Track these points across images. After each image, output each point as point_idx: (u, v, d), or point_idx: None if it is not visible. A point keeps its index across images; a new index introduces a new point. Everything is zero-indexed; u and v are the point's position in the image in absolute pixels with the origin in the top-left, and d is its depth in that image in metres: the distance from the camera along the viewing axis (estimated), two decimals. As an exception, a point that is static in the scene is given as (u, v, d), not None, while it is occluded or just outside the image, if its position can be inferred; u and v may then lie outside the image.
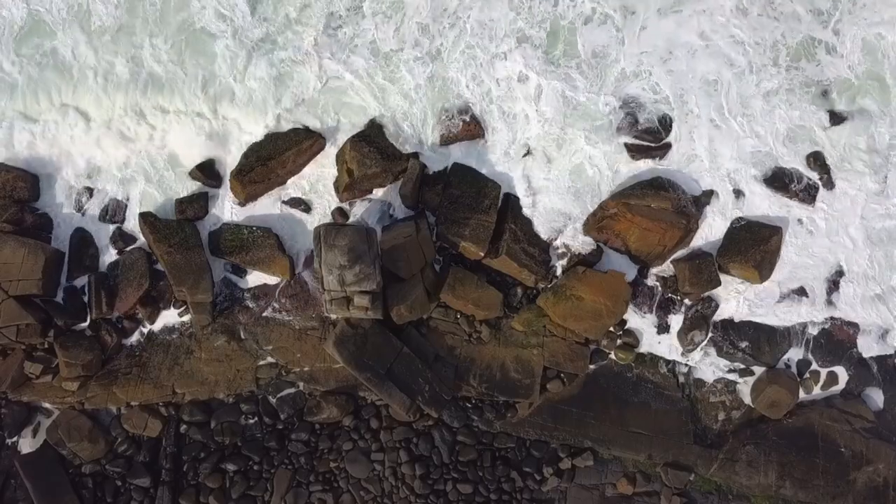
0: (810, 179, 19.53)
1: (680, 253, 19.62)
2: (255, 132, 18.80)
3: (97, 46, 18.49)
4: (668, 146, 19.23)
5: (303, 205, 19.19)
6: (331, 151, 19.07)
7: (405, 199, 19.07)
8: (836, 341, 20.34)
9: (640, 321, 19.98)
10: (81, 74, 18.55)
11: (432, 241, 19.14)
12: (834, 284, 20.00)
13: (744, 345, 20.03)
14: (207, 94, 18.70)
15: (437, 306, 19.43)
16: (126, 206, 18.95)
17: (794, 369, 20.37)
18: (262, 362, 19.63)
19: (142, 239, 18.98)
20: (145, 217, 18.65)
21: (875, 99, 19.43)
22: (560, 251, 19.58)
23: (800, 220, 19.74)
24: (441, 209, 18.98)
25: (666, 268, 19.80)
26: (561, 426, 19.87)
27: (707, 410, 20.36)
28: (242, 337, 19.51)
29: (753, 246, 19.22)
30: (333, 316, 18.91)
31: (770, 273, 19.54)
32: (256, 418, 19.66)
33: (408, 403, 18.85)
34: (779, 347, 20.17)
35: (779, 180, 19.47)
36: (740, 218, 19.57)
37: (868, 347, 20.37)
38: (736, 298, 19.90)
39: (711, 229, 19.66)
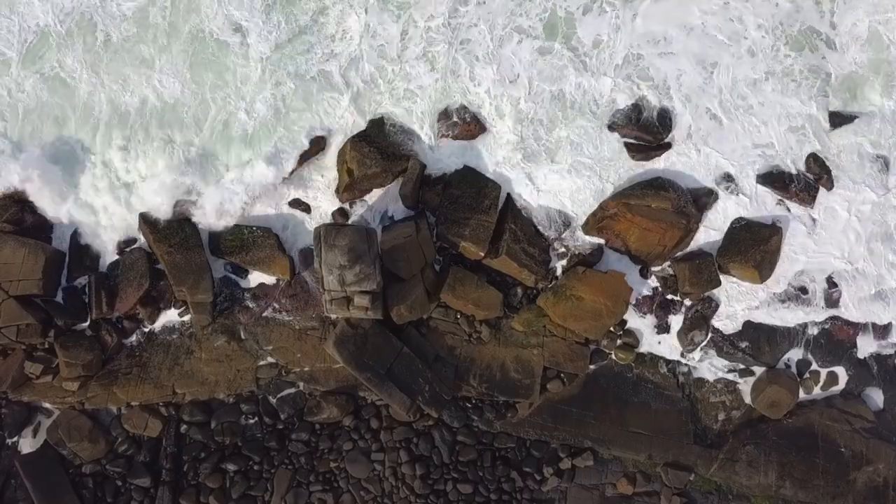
0: (810, 180, 19.54)
1: (680, 253, 19.64)
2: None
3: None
4: (668, 146, 19.23)
5: (303, 205, 19.18)
6: (331, 151, 19.09)
7: (405, 199, 19.07)
8: (835, 341, 20.36)
9: (640, 321, 19.99)
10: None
11: (432, 241, 19.14)
12: (834, 284, 20.00)
13: (744, 345, 20.05)
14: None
15: (437, 306, 19.43)
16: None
17: (794, 369, 20.38)
18: (262, 362, 19.63)
19: (142, 239, 18.97)
20: (145, 217, 18.66)
21: (875, 98, 19.46)
22: (560, 251, 19.59)
23: (800, 220, 19.74)
24: (441, 209, 18.99)
25: (666, 268, 19.80)
26: (561, 426, 19.87)
27: (707, 410, 20.36)
28: (242, 337, 19.51)
29: (753, 246, 19.23)
30: (333, 316, 18.91)
31: (770, 273, 19.55)
32: (257, 418, 19.66)
33: (408, 403, 18.85)
34: (779, 347, 20.19)
35: (779, 180, 19.48)
36: (740, 218, 19.58)
37: (868, 347, 20.38)
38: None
39: (712, 229, 19.67)
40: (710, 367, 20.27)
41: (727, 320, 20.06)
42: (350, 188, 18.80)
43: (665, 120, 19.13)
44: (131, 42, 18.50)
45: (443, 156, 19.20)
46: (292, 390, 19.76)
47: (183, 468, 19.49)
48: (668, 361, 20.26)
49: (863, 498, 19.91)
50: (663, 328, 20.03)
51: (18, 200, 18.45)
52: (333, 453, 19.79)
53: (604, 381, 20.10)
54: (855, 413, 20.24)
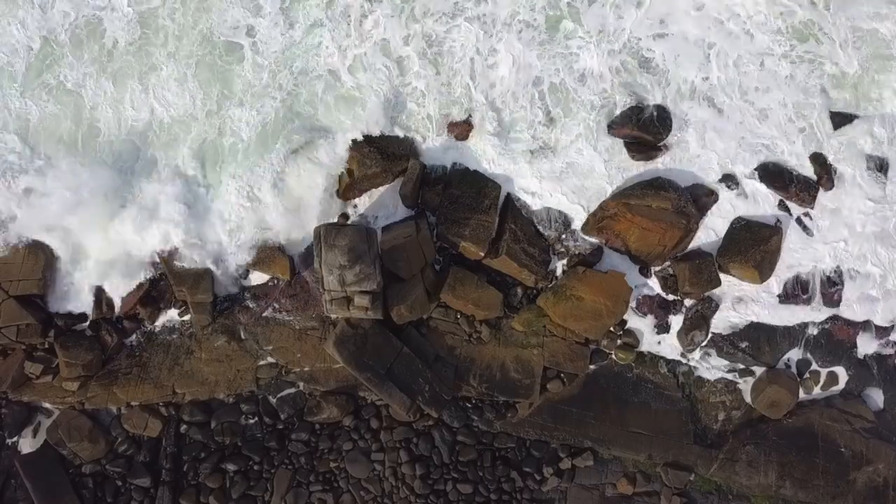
0: (810, 179, 19.53)
1: (680, 253, 19.64)
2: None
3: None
4: (668, 145, 19.23)
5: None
6: (331, 151, 19.07)
7: (405, 199, 19.07)
8: (835, 341, 20.35)
9: (640, 321, 19.99)
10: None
11: (432, 241, 19.13)
12: (834, 284, 20.00)
13: (744, 345, 20.05)
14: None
15: (437, 306, 19.42)
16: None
17: (794, 369, 20.38)
18: (262, 362, 19.64)
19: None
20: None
21: (875, 97, 19.48)
22: (560, 251, 19.59)
23: (800, 220, 19.74)
24: (441, 209, 18.99)
25: (666, 268, 19.80)
26: (561, 426, 19.87)
27: (707, 410, 20.36)
28: (242, 337, 19.51)
29: (753, 246, 19.22)
30: (333, 316, 18.90)
31: (770, 273, 19.55)
32: (256, 418, 19.67)
33: (408, 403, 18.85)
34: (779, 347, 20.19)
35: (779, 180, 19.47)
36: (740, 218, 19.57)
37: (868, 347, 20.38)
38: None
39: (711, 229, 19.67)
40: (710, 367, 20.26)
41: (727, 320, 20.05)
42: (350, 188, 18.80)
43: (665, 120, 19.13)
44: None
45: (443, 155, 19.18)
46: (292, 390, 19.76)
47: (183, 468, 19.49)
48: (668, 361, 20.26)
49: (863, 498, 19.90)
50: (663, 328, 20.03)
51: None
52: (333, 453, 19.79)
53: (604, 381, 20.10)
54: (855, 413, 20.24)
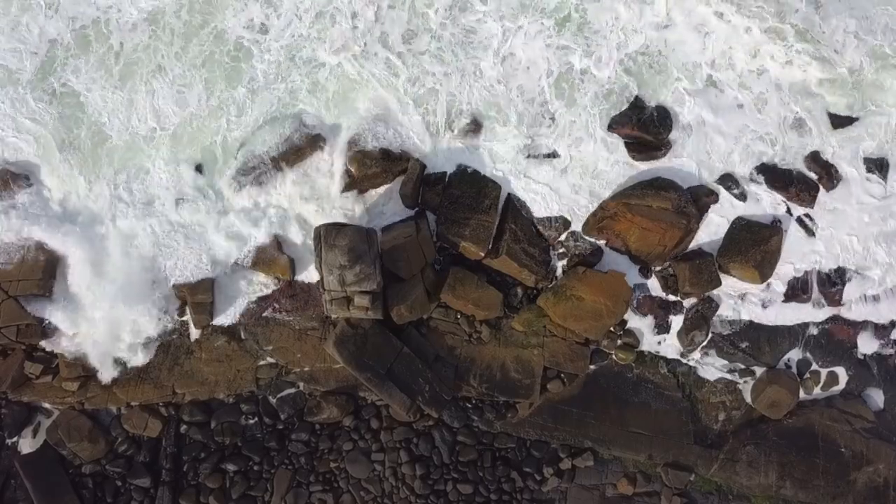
0: (811, 179, 19.53)
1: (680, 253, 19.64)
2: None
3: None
4: (669, 145, 19.23)
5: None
6: (331, 151, 19.07)
7: (405, 199, 19.07)
8: (836, 341, 20.36)
9: (640, 321, 19.98)
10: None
11: (432, 241, 19.13)
12: (834, 284, 19.99)
13: (744, 345, 20.04)
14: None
15: (438, 306, 19.42)
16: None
17: (794, 369, 20.38)
18: (262, 362, 19.62)
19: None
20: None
21: (874, 98, 19.48)
22: (560, 251, 19.59)
23: (800, 221, 19.74)
24: (441, 209, 18.98)
25: (666, 268, 19.79)
26: (561, 426, 19.87)
27: (707, 410, 20.35)
28: (242, 337, 19.49)
29: (754, 246, 19.22)
30: (333, 316, 18.90)
31: (770, 273, 19.55)
32: (256, 418, 19.66)
33: (408, 403, 18.84)
34: (779, 347, 20.18)
35: (779, 180, 19.47)
36: (740, 218, 19.57)
37: (868, 347, 20.38)
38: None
39: (711, 229, 19.67)
40: (710, 367, 20.26)
41: (727, 320, 20.05)
42: (350, 188, 18.80)
43: (665, 119, 19.14)
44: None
45: (443, 155, 19.18)
46: (292, 390, 19.75)
47: (183, 468, 19.47)
48: (668, 361, 20.26)
49: (863, 498, 19.90)
50: (663, 328, 20.02)
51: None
52: (333, 453, 19.78)
53: (604, 382, 20.10)
54: (855, 413, 20.24)
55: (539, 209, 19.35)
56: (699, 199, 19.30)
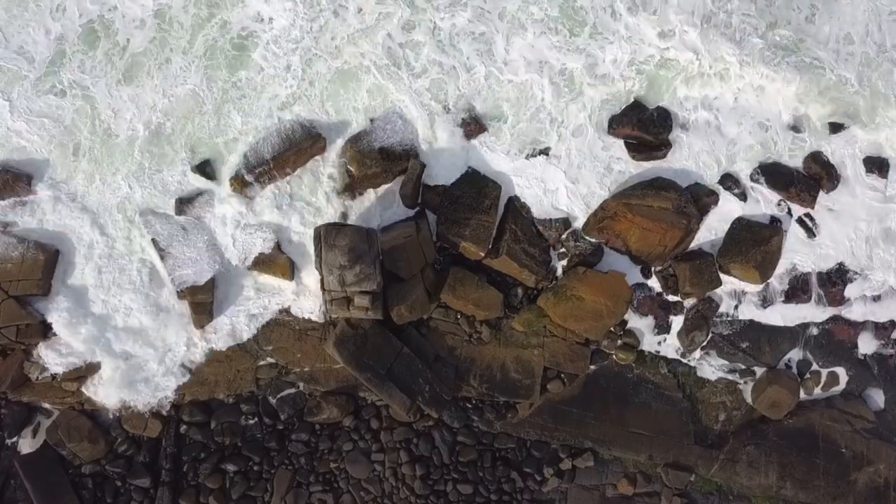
0: (811, 180, 19.52)
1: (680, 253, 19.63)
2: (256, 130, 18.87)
3: None
4: (669, 145, 19.22)
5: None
6: (331, 151, 19.06)
7: (405, 199, 19.06)
8: (836, 341, 20.35)
9: (640, 321, 19.97)
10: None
11: (432, 241, 19.12)
12: (834, 284, 19.99)
13: (744, 345, 20.03)
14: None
15: (438, 306, 19.41)
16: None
17: (794, 370, 20.37)
18: (262, 362, 19.62)
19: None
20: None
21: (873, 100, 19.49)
22: (560, 251, 19.58)
23: (801, 221, 19.74)
24: (441, 209, 18.98)
25: (666, 268, 19.78)
26: (561, 426, 19.86)
27: (708, 411, 20.34)
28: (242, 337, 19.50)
29: (754, 246, 19.21)
30: (333, 316, 18.89)
31: (771, 274, 19.55)
32: (256, 419, 19.64)
33: (408, 404, 18.83)
34: (779, 348, 20.17)
35: (779, 181, 19.46)
36: (741, 218, 19.56)
37: (868, 347, 20.38)
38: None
39: (712, 229, 19.66)
40: (710, 367, 20.25)
41: (727, 320, 20.05)
42: (350, 188, 18.80)
43: (665, 119, 19.14)
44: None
45: (444, 155, 19.16)
46: (292, 390, 19.74)
47: (183, 468, 19.46)
48: (668, 361, 20.26)
49: (863, 499, 19.90)
50: (664, 328, 20.02)
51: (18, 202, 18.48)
52: (333, 454, 19.77)
53: (604, 382, 20.09)
54: (856, 413, 20.23)
55: (539, 209, 19.34)
56: (699, 199, 19.29)
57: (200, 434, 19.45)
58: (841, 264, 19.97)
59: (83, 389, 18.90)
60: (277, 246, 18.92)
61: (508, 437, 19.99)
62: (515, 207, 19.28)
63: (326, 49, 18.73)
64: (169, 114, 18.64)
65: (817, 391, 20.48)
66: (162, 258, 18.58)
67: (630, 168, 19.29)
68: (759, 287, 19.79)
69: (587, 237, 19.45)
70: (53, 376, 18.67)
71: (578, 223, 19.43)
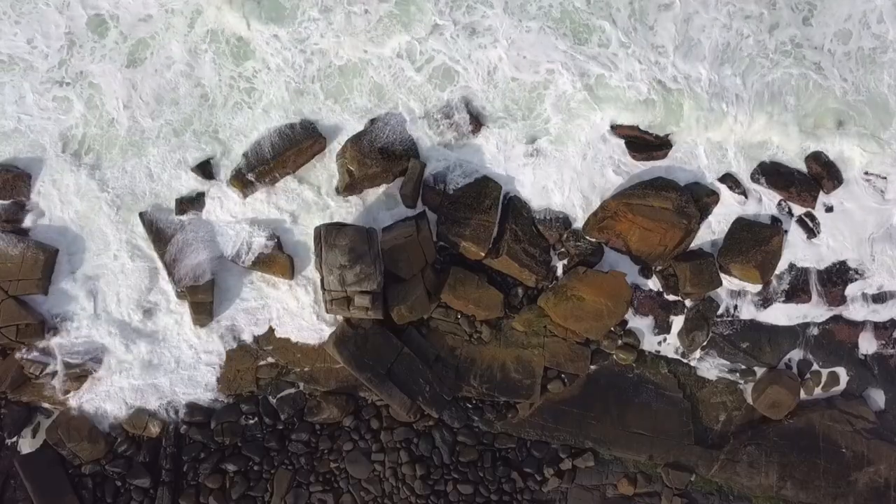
0: (812, 180, 19.51)
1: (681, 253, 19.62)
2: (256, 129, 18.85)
3: None
4: (670, 145, 19.22)
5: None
6: (331, 151, 19.06)
7: (406, 199, 19.05)
8: (837, 341, 20.33)
9: (640, 321, 19.96)
10: None
11: (433, 241, 19.11)
12: (835, 284, 19.97)
13: (745, 345, 20.02)
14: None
15: (438, 306, 19.39)
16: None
17: (795, 370, 20.36)
18: (262, 362, 19.61)
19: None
20: (143, 217, 18.63)
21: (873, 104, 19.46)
22: (561, 251, 19.56)
23: (801, 221, 19.73)
24: (442, 209, 18.96)
25: (667, 268, 19.77)
26: (562, 427, 19.85)
27: (708, 411, 20.32)
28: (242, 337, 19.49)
29: (754, 246, 19.19)
30: (333, 316, 18.88)
31: (771, 274, 19.54)
32: (256, 418, 19.63)
33: (408, 404, 18.82)
34: (780, 348, 20.16)
35: (780, 181, 19.44)
36: (741, 218, 19.55)
37: (869, 347, 20.37)
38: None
39: (712, 229, 19.65)
40: (711, 367, 20.24)
41: (728, 321, 20.04)
42: (350, 188, 18.78)
43: (666, 120, 19.16)
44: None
45: (445, 155, 19.15)
46: (292, 390, 19.73)
47: (183, 468, 19.45)
48: (669, 361, 20.24)
49: (864, 499, 19.87)
50: (664, 328, 20.01)
51: (18, 200, 18.45)
52: (334, 454, 19.76)
53: (604, 382, 20.07)
54: (856, 414, 20.21)
55: (540, 209, 19.32)
56: (700, 199, 19.28)
57: (200, 434, 19.44)
58: (841, 264, 19.96)
59: (81, 390, 18.91)
60: (278, 245, 18.92)
61: (509, 437, 19.98)
62: (516, 207, 19.27)
63: (328, 46, 18.71)
64: (169, 112, 18.64)
65: (818, 391, 20.46)
66: (162, 258, 18.56)
67: (631, 167, 19.26)
68: (760, 287, 19.77)
69: (587, 237, 19.44)
70: (53, 374, 18.68)
71: (579, 223, 19.41)
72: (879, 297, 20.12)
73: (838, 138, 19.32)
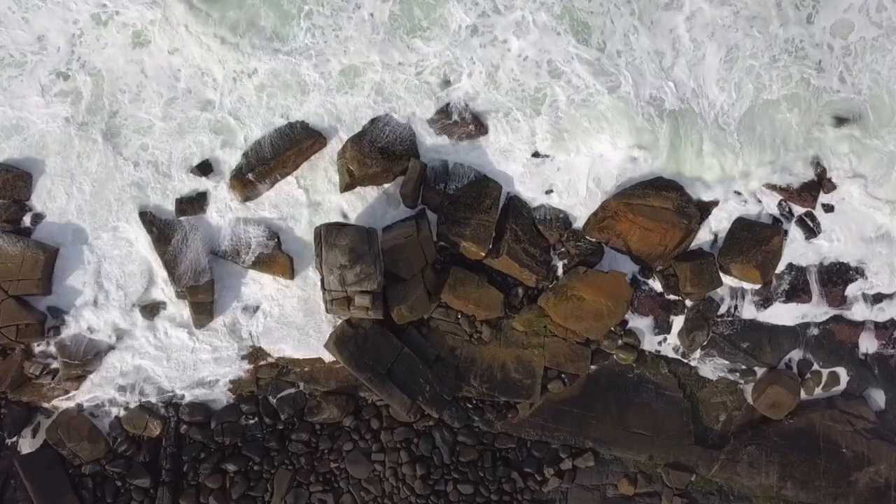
0: (812, 179, 19.50)
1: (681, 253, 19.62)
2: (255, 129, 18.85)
3: None
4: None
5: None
6: (331, 151, 19.04)
7: (406, 199, 19.04)
8: (837, 341, 20.33)
9: (641, 321, 19.96)
10: None
11: (433, 241, 19.10)
12: (835, 284, 19.97)
13: (745, 345, 20.01)
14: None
15: (438, 306, 19.39)
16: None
17: (795, 370, 20.36)
18: (262, 362, 19.60)
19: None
20: (144, 216, 18.63)
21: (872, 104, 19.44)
22: (561, 251, 19.56)
23: (801, 221, 19.71)
24: (442, 209, 18.96)
25: (667, 268, 19.76)
26: (562, 427, 19.84)
27: (708, 411, 20.33)
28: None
29: (755, 246, 19.19)
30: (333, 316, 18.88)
31: (771, 273, 19.54)
32: (257, 418, 19.63)
33: (408, 404, 18.82)
34: (780, 348, 20.15)
35: (779, 181, 19.43)
36: (742, 218, 19.54)
37: (869, 347, 20.37)
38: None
39: (712, 229, 19.64)
40: (711, 367, 20.24)
41: (728, 320, 20.04)
42: (350, 188, 18.78)
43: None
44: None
45: (445, 154, 19.14)
46: (292, 390, 19.73)
47: (183, 468, 19.46)
48: (669, 361, 20.24)
49: (864, 499, 19.88)
50: (664, 328, 20.00)
51: (18, 200, 18.44)
52: (334, 454, 19.76)
53: (605, 382, 20.07)
54: (856, 414, 20.21)
55: (540, 209, 19.31)
56: (700, 200, 19.25)
57: (200, 434, 19.44)
58: (842, 264, 19.95)
59: (81, 390, 18.92)
60: (278, 245, 18.91)
61: (509, 437, 19.98)
62: (516, 207, 19.26)
63: (330, 47, 18.68)
64: (169, 112, 18.65)
65: (818, 391, 20.46)
66: (162, 258, 18.55)
67: (631, 167, 19.22)
68: (760, 287, 19.77)
69: (588, 237, 19.43)
70: (53, 374, 18.69)
71: (579, 223, 19.40)
72: (879, 297, 20.11)
73: (838, 138, 19.30)
